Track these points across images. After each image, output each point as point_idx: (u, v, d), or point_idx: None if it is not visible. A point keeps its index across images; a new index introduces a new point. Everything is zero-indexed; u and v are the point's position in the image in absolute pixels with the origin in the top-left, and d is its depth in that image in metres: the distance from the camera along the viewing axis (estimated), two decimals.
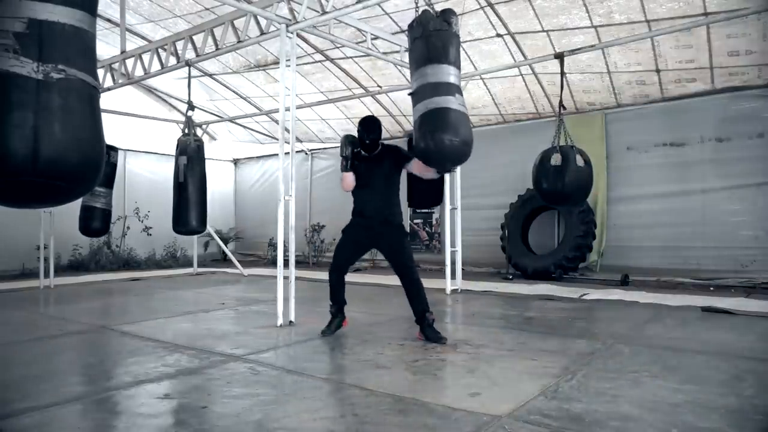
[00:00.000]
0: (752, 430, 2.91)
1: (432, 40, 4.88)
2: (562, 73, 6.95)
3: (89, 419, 3.23)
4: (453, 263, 8.33)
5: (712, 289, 8.25)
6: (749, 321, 5.89)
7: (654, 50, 8.40)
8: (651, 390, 3.50)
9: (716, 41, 7.92)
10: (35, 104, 2.90)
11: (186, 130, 8.16)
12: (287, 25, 6.09)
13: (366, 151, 5.16)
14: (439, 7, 8.17)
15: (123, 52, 8.52)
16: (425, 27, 4.97)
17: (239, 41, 7.08)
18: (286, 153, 5.98)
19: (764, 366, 4.17)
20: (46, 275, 9.23)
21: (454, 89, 4.74)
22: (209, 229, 10.22)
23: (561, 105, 6.94)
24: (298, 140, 13.77)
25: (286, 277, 5.83)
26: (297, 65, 6.60)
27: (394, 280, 10.10)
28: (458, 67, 4.91)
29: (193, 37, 7.82)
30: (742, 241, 8.54)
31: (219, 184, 15.43)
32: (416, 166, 5.00)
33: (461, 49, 9.10)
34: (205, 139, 11.16)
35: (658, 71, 8.82)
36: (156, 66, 8.36)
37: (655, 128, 9.43)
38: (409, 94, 4.95)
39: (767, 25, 7.43)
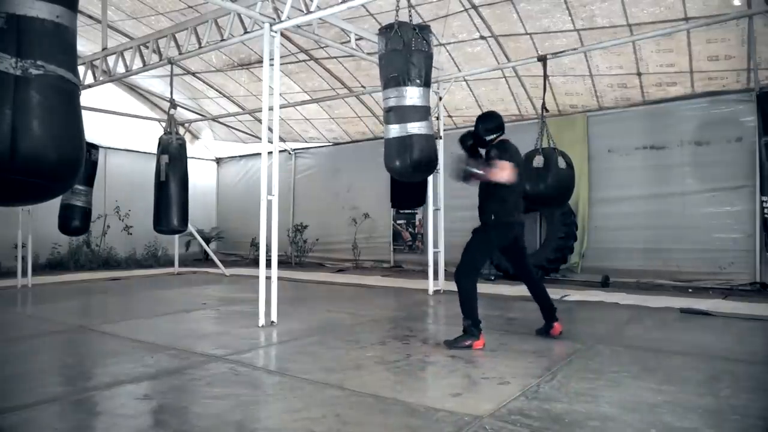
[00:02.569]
0: (729, 430, 2.95)
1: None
2: (545, 76, 7.00)
3: (67, 420, 3.19)
4: (435, 264, 8.34)
5: (690, 290, 8.36)
6: (726, 322, 5.98)
7: (635, 54, 8.49)
8: (630, 390, 3.53)
9: (696, 46, 8.03)
10: (13, 100, 2.86)
11: (168, 129, 8.11)
12: (271, 24, 6.07)
13: (481, 146, 5.14)
14: (423, 10, 8.29)
15: (104, 48, 8.43)
16: (407, 42, 5.22)
17: (223, 39, 7.04)
18: (269, 152, 5.96)
19: (741, 367, 4.23)
20: (24, 274, 9.10)
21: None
22: (191, 228, 10.15)
23: (544, 107, 6.99)
24: (282, 140, 13.72)
25: (268, 277, 5.80)
26: (281, 64, 6.56)
27: (376, 280, 10.15)
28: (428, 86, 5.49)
29: (176, 35, 7.75)
30: (721, 244, 8.67)
31: (201, 183, 15.31)
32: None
33: (446, 50, 9.23)
34: (188, 137, 11.08)
35: (639, 75, 8.92)
36: (138, 63, 8.28)
37: (636, 131, 9.54)
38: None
39: (746, 30, 7.55)
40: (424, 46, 5.32)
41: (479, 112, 10.76)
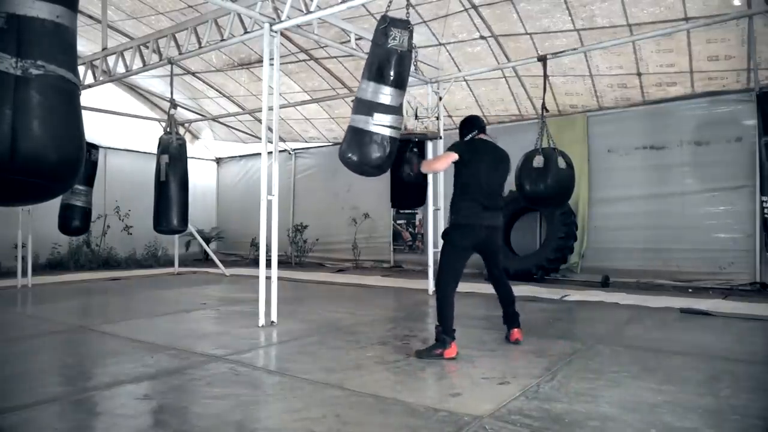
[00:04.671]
0: (729, 430, 2.95)
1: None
2: (545, 76, 6.99)
3: (67, 420, 3.19)
4: (436, 264, 8.31)
5: (690, 290, 8.36)
6: (726, 322, 5.98)
7: (635, 54, 8.49)
8: (630, 390, 3.53)
9: (696, 46, 8.03)
10: (13, 100, 2.86)
11: (168, 129, 8.11)
12: (271, 24, 6.07)
13: None
14: (421, 9, 8.29)
15: (104, 48, 8.43)
16: (377, 37, 5.11)
17: (223, 39, 7.04)
18: (269, 152, 5.95)
19: (741, 367, 4.23)
20: (24, 274, 9.09)
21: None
22: (191, 228, 10.14)
23: (544, 107, 6.99)
24: (282, 140, 13.71)
25: (268, 277, 5.80)
26: (281, 64, 6.56)
27: (376, 280, 10.15)
28: (392, 85, 5.13)
29: (176, 35, 7.74)
30: (721, 244, 8.66)
31: (201, 183, 15.32)
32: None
33: (446, 49, 9.22)
34: (188, 137, 11.08)
35: (639, 75, 8.92)
36: (138, 63, 8.28)
37: (635, 131, 9.54)
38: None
39: (746, 30, 7.55)
40: (397, 43, 5.17)
41: (479, 113, 10.88)
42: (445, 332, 4.38)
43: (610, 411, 3.15)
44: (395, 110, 5.14)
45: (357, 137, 5.09)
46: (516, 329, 4.88)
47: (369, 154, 5.12)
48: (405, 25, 5.18)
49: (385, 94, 5.16)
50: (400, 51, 5.10)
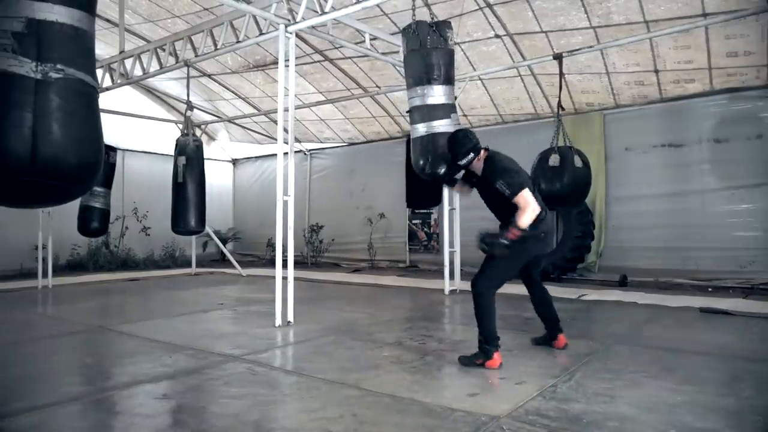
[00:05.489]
0: (751, 430, 2.91)
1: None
2: (561, 74, 6.96)
3: (87, 419, 3.23)
4: (451, 264, 8.32)
5: (710, 290, 8.25)
6: (747, 322, 5.89)
7: (652, 51, 8.40)
8: (649, 390, 3.50)
9: (715, 42, 7.92)
10: (33, 104, 2.91)
11: (185, 130, 8.19)
12: (286, 26, 6.09)
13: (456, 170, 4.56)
14: (437, 9, 8.27)
15: (122, 52, 8.52)
16: (423, 42, 5.18)
17: (238, 41, 7.08)
18: (284, 153, 5.98)
19: (762, 367, 4.17)
20: (44, 275, 9.21)
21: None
22: (208, 229, 10.22)
23: (559, 105, 6.95)
24: (297, 140, 13.76)
25: (284, 278, 5.83)
26: (296, 65, 6.59)
27: (392, 280, 10.15)
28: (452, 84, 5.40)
29: (192, 37, 7.81)
30: (741, 243, 8.54)
31: (217, 183, 15.42)
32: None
33: (461, 49, 9.20)
34: (204, 139, 11.16)
35: (656, 72, 8.83)
36: (155, 66, 8.35)
37: (653, 129, 9.43)
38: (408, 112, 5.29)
39: (766, 26, 7.44)
40: (442, 43, 5.29)
41: (494, 111, 10.86)
42: (488, 341, 4.09)
43: (629, 411, 3.13)
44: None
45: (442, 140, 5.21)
46: (562, 335, 4.64)
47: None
48: (450, 24, 5.39)
49: (452, 94, 5.37)
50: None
